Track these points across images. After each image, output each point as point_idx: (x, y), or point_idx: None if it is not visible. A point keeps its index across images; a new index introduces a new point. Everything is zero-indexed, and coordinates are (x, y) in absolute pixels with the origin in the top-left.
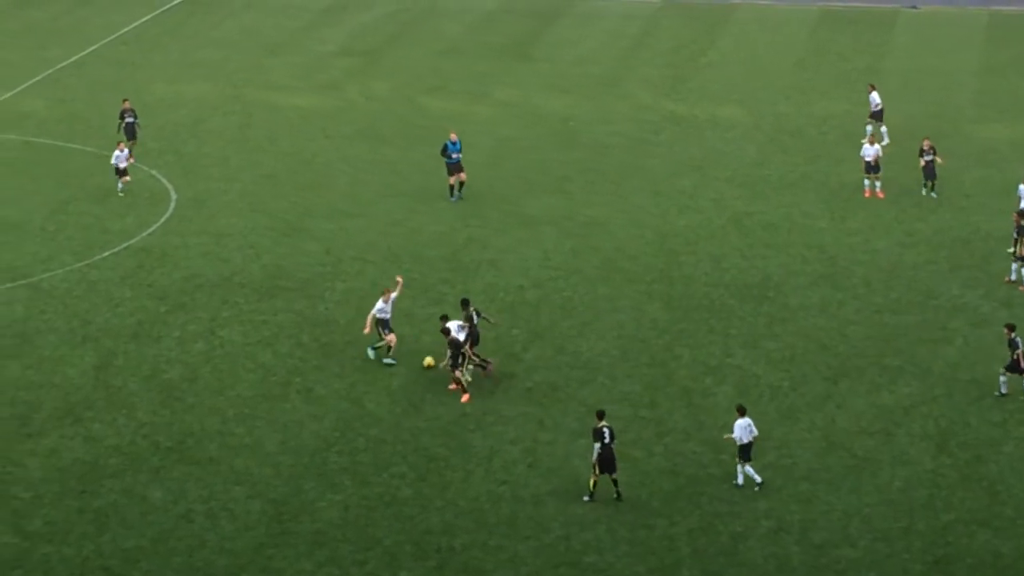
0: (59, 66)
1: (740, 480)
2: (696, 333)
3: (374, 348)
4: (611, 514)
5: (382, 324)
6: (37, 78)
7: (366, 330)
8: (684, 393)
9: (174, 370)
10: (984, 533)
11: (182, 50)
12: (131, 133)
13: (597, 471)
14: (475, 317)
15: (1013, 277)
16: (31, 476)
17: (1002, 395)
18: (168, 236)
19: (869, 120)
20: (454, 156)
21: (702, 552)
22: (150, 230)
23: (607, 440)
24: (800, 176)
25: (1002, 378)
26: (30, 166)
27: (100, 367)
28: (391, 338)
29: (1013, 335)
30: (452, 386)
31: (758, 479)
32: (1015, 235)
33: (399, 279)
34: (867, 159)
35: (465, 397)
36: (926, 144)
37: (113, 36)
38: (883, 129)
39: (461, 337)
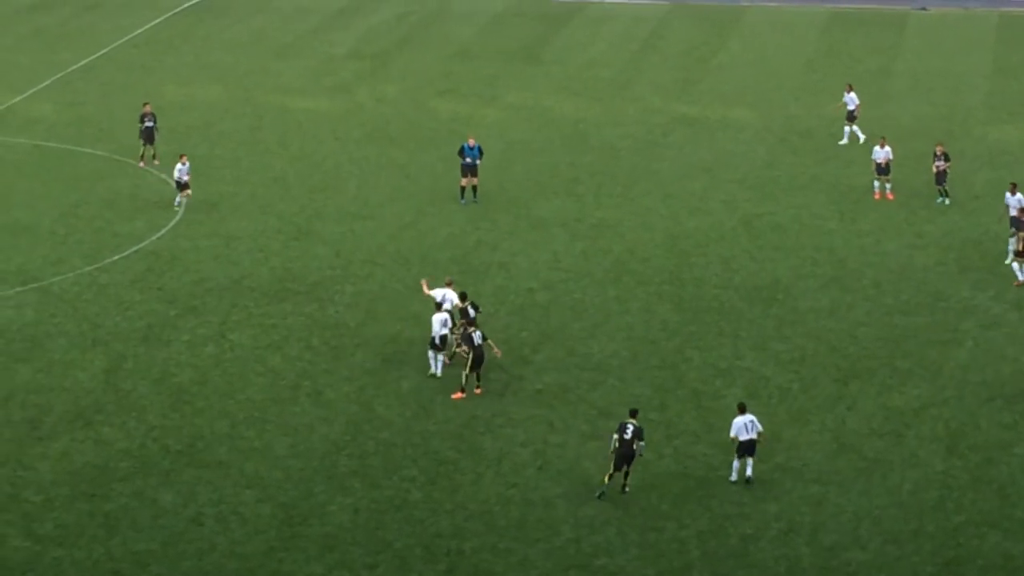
0: (69, 70)
1: (734, 476)
2: (706, 335)
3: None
4: (621, 516)
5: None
6: (47, 82)
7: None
8: (694, 395)
9: (184, 374)
10: (995, 535)
11: (193, 53)
12: (149, 137)
13: (612, 466)
14: (471, 312)
15: (1020, 278)
16: (42, 479)
17: None
18: (178, 239)
19: (847, 122)
20: (468, 160)
21: (712, 554)
22: (160, 233)
23: (627, 436)
24: (810, 178)
25: None
26: (40, 170)
27: (110, 371)
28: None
29: None
30: (456, 396)
31: (748, 473)
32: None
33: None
34: (878, 161)
35: (457, 395)
36: (938, 149)
37: (123, 39)
38: (853, 128)
39: (445, 331)
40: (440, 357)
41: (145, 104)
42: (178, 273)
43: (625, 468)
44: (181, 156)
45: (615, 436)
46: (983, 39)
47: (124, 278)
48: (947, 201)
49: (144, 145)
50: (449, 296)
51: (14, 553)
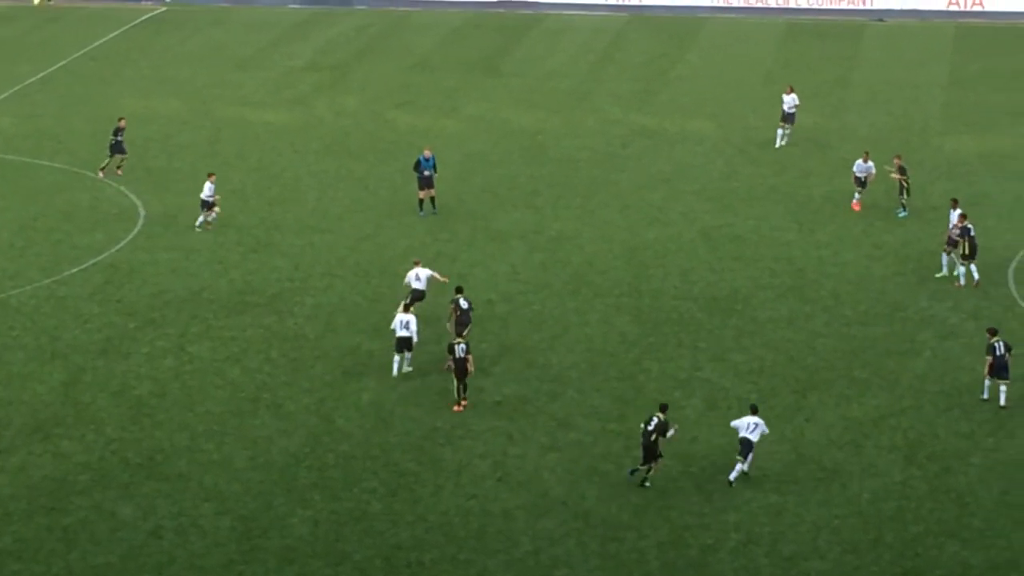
0: (27, 82)
1: (732, 476)
2: (665, 346)
3: None
4: (581, 528)
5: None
6: (5, 94)
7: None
8: (653, 406)
9: (143, 386)
10: (953, 544)
11: (151, 66)
12: (118, 149)
13: (640, 459)
14: (464, 304)
15: (963, 281)
16: (0, 493)
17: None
18: (137, 252)
19: (781, 124)
20: (426, 172)
21: (672, 565)
22: (119, 246)
23: (648, 428)
24: (769, 189)
25: (987, 382)
26: None
27: (69, 383)
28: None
29: (994, 339)
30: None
31: (732, 476)
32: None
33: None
34: (858, 175)
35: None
36: (896, 162)
37: (82, 52)
38: (785, 131)
39: (404, 333)
40: (402, 357)
41: (120, 119)
42: (137, 286)
43: (649, 464)
44: (209, 175)
45: (642, 427)
46: (940, 50)
47: (83, 291)
48: (903, 212)
49: (110, 157)
50: (420, 274)
51: None
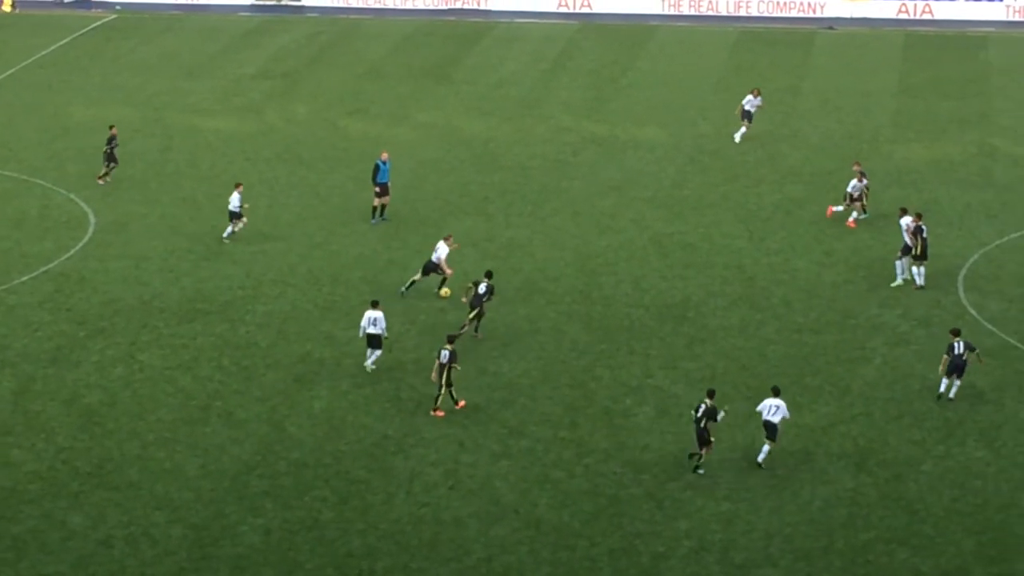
0: None
1: (760, 457)
2: (616, 354)
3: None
4: (533, 535)
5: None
6: None
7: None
8: (604, 414)
9: (93, 395)
10: (903, 551)
11: (101, 73)
12: (110, 159)
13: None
14: (482, 288)
15: (920, 282)
16: None
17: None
18: (87, 260)
19: (742, 121)
20: (383, 179)
21: (623, 573)
22: (69, 254)
23: (698, 415)
24: (720, 196)
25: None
26: None
27: (19, 392)
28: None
29: (955, 340)
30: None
31: (760, 458)
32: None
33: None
34: (852, 192)
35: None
36: (856, 168)
37: (31, 59)
38: (742, 131)
39: (372, 330)
40: (373, 354)
41: (111, 127)
42: (87, 294)
43: (702, 450)
44: (237, 185)
45: (692, 414)
46: (890, 58)
47: (32, 299)
48: (862, 215)
49: (106, 165)
50: (441, 248)
51: None
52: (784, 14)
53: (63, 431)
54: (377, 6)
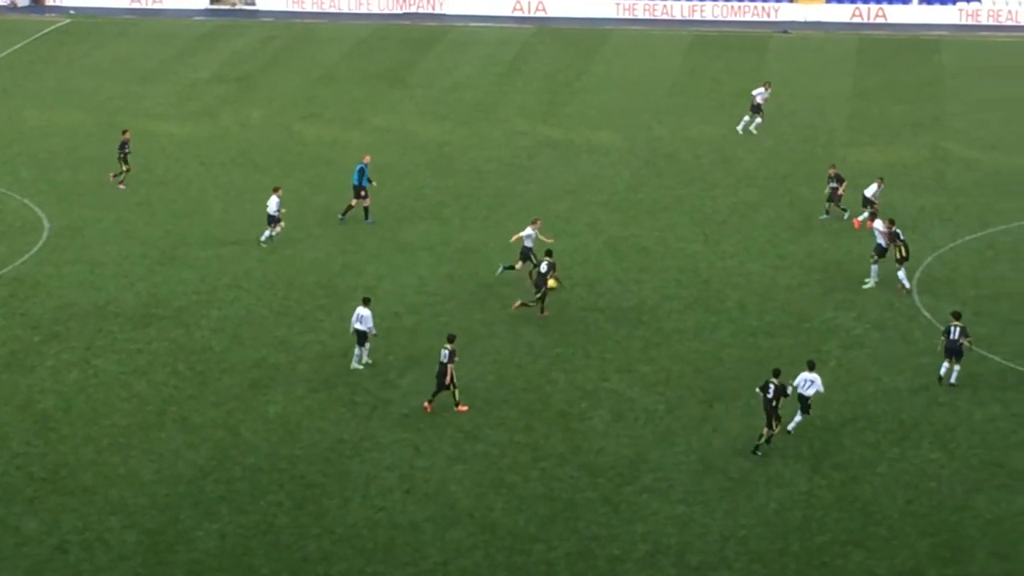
0: None
1: (790, 426)
2: (572, 358)
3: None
4: (488, 540)
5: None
6: None
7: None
8: (560, 417)
9: (48, 400)
10: (859, 553)
11: (56, 78)
12: (125, 161)
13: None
14: (544, 267)
15: (907, 284)
16: None
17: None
18: (41, 265)
19: (750, 113)
20: (356, 181)
21: None
22: (23, 259)
23: (768, 396)
24: (675, 200)
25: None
26: None
27: None
28: (520, 266)
29: (952, 323)
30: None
31: (790, 427)
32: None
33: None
34: (867, 194)
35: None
36: (831, 171)
37: None
38: (755, 119)
39: (358, 326)
40: (362, 350)
41: (124, 132)
42: (42, 299)
43: (772, 427)
44: (275, 189)
45: (758, 390)
46: (844, 62)
47: None
48: (825, 216)
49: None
50: (528, 232)
51: None
52: (738, 18)
53: (17, 436)
54: (331, 10)
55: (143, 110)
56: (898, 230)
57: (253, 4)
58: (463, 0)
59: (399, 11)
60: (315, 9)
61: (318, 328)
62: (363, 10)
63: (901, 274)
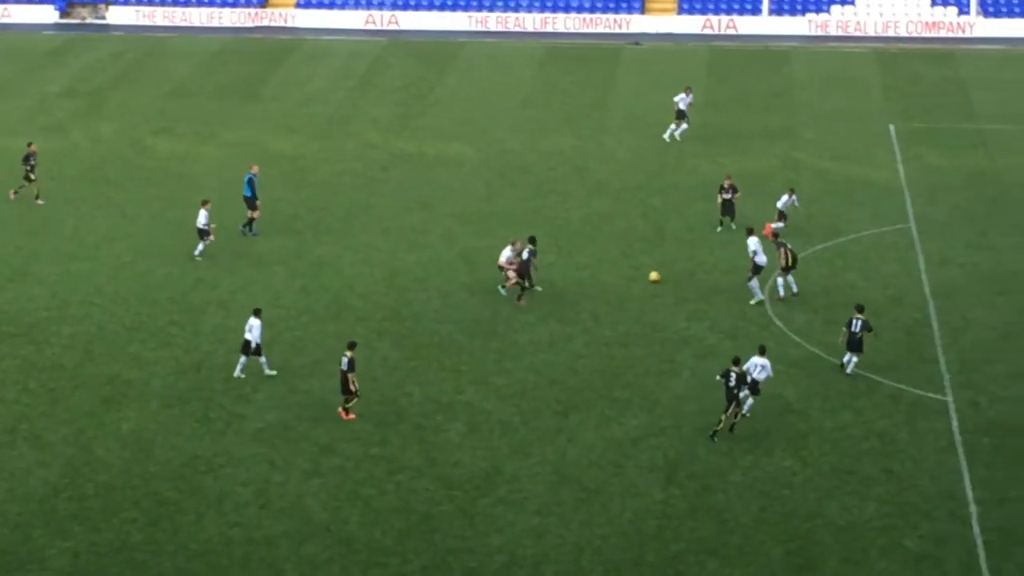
0: None
1: (745, 408)
2: (427, 370)
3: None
4: (344, 553)
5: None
6: None
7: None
8: (416, 430)
9: None
10: (713, 562)
11: None
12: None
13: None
14: (526, 255)
15: (781, 293)
16: None
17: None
18: None
19: (675, 121)
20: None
21: None
22: None
23: (729, 383)
24: (528, 211)
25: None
26: None
27: None
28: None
29: (856, 316)
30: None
31: (745, 409)
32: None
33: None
34: (781, 208)
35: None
36: (727, 182)
37: None
38: (681, 127)
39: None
40: (246, 360)
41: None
42: None
43: (730, 412)
44: (204, 203)
45: (719, 378)
46: (694, 73)
47: None
48: (733, 226)
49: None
50: (507, 254)
51: None
52: (591, 29)
53: None
54: (183, 24)
55: None
56: (784, 240)
57: (104, 18)
58: (315, 13)
59: (251, 24)
60: (166, 23)
61: (171, 343)
62: (215, 24)
63: (780, 281)
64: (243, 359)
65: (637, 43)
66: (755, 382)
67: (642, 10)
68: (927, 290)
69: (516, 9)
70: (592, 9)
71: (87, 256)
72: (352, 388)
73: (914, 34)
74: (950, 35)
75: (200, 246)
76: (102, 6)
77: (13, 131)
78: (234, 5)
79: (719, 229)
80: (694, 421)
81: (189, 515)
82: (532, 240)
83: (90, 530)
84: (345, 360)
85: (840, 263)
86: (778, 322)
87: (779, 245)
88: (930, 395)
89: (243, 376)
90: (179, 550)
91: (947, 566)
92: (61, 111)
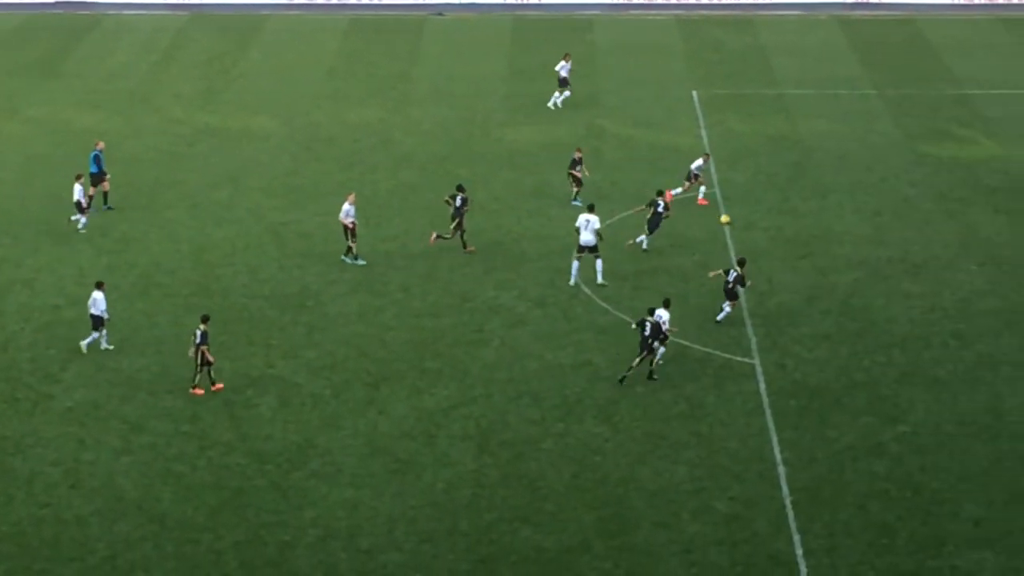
0: None
1: (658, 355)
2: (236, 345)
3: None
4: (157, 531)
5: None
6: None
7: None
8: (226, 406)
9: None
10: (526, 529)
11: None
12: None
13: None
14: (459, 201)
15: (645, 246)
16: None
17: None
18: None
19: (559, 88)
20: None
21: (249, 564)
22: None
23: (645, 333)
24: (335, 184)
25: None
26: None
27: None
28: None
29: (732, 269)
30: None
31: (659, 359)
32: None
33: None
34: (695, 171)
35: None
36: (577, 155)
37: None
38: (563, 94)
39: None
40: (96, 335)
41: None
42: None
43: (644, 355)
44: (78, 176)
45: (634, 326)
46: (499, 43)
47: None
48: (577, 201)
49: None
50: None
51: None
52: (394, 1)
53: None
54: None
55: None
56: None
57: None
58: None
59: (52, 0)
60: None
61: None
62: (14, 0)
63: (644, 238)
64: (95, 334)
65: (441, 14)
66: (663, 331)
67: None
68: (732, 255)
69: None
70: None
71: None
72: (210, 359)
73: (714, 1)
74: (750, 1)
75: (82, 219)
76: None
77: None
78: None
79: (575, 202)
80: (504, 390)
81: None
82: (460, 188)
83: None
84: (199, 333)
85: (647, 229)
86: (586, 289)
87: (651, 204)
88: (737, 358)
89: (111, 347)
90: None
91: (757, 526)
92: None
